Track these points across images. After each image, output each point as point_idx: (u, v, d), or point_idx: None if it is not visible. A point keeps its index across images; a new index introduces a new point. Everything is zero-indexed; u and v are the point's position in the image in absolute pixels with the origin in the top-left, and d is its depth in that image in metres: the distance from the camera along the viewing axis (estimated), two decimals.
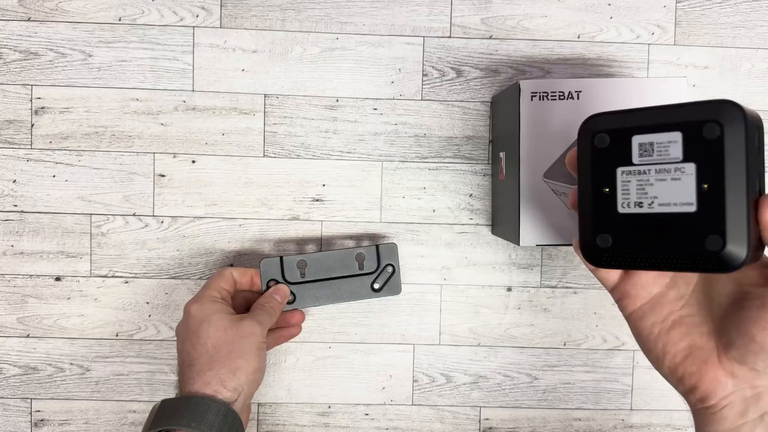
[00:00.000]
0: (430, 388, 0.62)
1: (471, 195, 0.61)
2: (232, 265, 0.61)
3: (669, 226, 0.34)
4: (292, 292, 0.56)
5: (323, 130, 0.61)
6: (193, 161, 0.60)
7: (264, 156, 0.61)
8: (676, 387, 0.38)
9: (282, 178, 0.61)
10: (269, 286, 0.56)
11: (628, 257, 0.36)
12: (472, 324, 0.62)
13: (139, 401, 0.62)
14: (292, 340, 0.61)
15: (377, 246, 0.55)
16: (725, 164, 0.32)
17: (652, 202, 0.35)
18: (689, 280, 0.38)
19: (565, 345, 0.62)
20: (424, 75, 0.61)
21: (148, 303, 0.61)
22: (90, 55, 0.60)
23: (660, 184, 0.34)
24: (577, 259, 0.61)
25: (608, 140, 0.36)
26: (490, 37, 0.61)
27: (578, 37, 0.61)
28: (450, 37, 0.61)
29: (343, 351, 0.62)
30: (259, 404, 0.62)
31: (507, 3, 0.61)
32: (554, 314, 0.62)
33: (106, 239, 0.61)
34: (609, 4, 0.61)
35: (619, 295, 0.39)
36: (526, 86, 0.49)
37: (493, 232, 0.61)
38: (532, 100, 0.49)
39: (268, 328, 0.53)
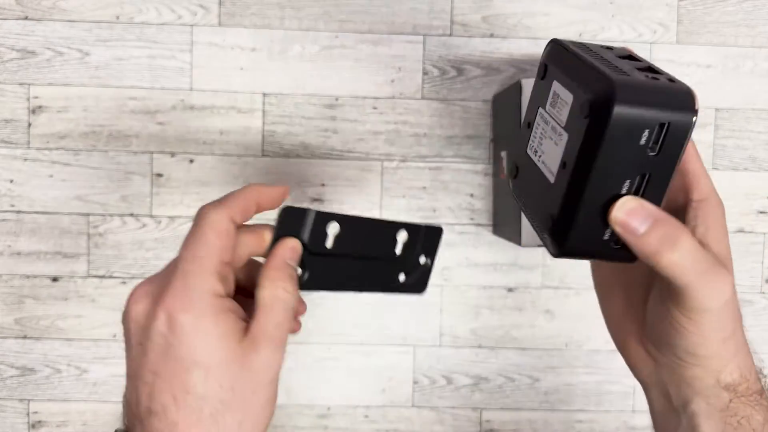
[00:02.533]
0: (430, 389, 0.62)
1: (472, 195, 0.61)
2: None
3: (537, 188, 0.32)
4: (303, 265, 0.35)
5: (322, 129, 0.60)
6: (191, 161, 0.60)
7: (263, 155, 0.60)
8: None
9: (281, 177, 0.60)
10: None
11: (518, 194, 0.35)
12: (473, 325, 0.61)
13: None
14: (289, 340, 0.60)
15: (424, 228, 0.39)
16: (580, 148, 0.28)
17: (540, 156, 0.33)
18: None
19: (566, 346, 0.62)
20: (424, 73, 0.60)
21: None
22: (87, 54, 0.60)
23: (547, 141, 0.32)
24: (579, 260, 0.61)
25: (543, 73, 0.33)
26: (491, 35, 0.60)
27: (580, 36, 0.60)
28: (451, 35, 0.60)
29: (343, 352, 0.61)
30: None
31: (508, 1, 0.60)
32: (556, 315, 0.61)
33: (104, 239, 0.60)
34: (611, 2, 0.60)
35: None
36: (528, 85, 0.49)
37: (494, 233, 0.61)
38: None
39: (288, 332, 0.34)
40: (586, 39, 0.60)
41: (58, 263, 0.60)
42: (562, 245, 0.30)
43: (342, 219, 0.35)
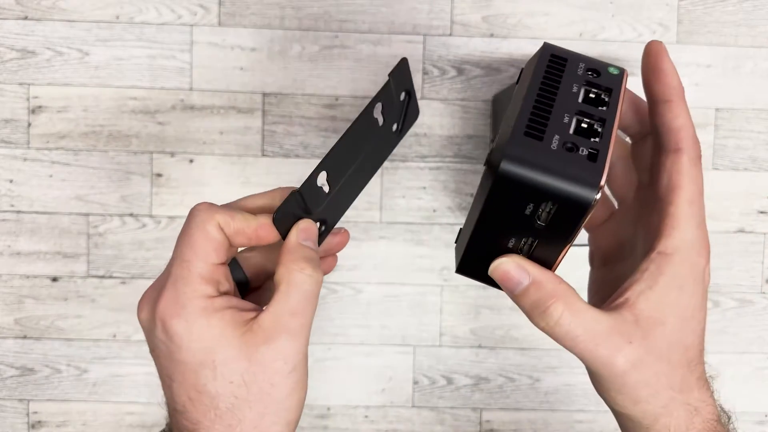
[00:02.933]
0: (430, 390, 0.62)
1: (472, 195, 0.61)
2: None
3: None
4: (321, 221, 0.34)
5: (322, 129, 0.60)
6: (191, 160, 0.60)
7: (263, 155, 0.60)
8: None
9: (281, 177, 0.60)
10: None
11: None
12: (473, 325, 0.61)
13: (137, 403, 0.61)
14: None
15: (389, 79, 0.34)
16: (478, 190, 0.28)
17: None
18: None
19: None
20: (424, 73, 0.60)
21: None
22: (87, 54, 0.59)
23: None
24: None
25: (518, 78, 0.31)
26: (492, 35, 0.60)
27: (580, 36, 0.60)
28: (451, 35, 0.60)
29: (343, 352, 0.61)
30: None
31: (508, 0, 0.60)
32: None
33: (104, 239, 0.60)
34: (611, 2, 0.60)
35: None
36: None
37: None
38: None
39: (312, 316, 0.31)
40: (586, 39, 0.60)
41: (57, 263, 0.60)
42: (457, 264, 0.31)
43: (329, 162, 0.33)
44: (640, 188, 0.32)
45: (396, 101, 0.35)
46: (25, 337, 0.61)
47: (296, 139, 0.60)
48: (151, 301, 0.30)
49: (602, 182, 0.24)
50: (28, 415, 0.61)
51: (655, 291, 0.28)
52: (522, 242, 0.28)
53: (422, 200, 0.61)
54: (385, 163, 0.61)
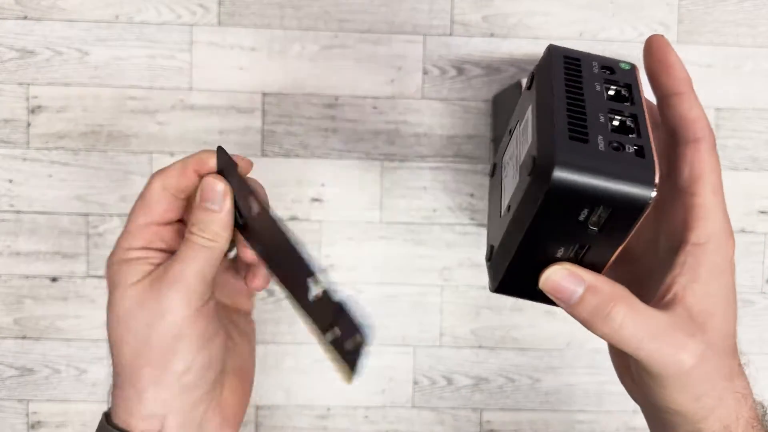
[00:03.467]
0: (430, 390, 0.62)
1: (472, 195, 0.61)
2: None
3: (494, 204, 0.32)
4: (240, 218, 0.32)
5: (322, 129, 0.60)
6: None
7: (262, 155, 0.60)
8: None
9: (280, 177, 0.60)
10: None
11: (490, 193, 0.35)
12: (473, 325, 0.61)
13: None
14: (289, 340, 0.60)
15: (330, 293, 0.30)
16: (519, 204, 0.26)
17: (505, 176, 0.31)
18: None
19: (567, 346, 0.62)
20: (424, 73, 0.60)
21: None
22: (86, 54, 0.59)
23: (512, 165, 0.30)
24: None
25: (530, 83, 0.31)
26: (492, 35, 0.60)
27: (580, 35, 0.60)
28: (451, 34, 0.60)
29: None
30: (257, 406, 0.61)
31: (509, 0, 0.60)
32: (556, 316, 0.61)
33: (103, 239, 0.60)
34: (611, 2, 0.60)
35: None
36: None
37: None
38: None
39: (212, 274, 0.31)
40: (586, 39, 0.60)
41: (57, 263, 0.60)
42: (496, 283, 0.29)
43: (260, 206, 0.30)
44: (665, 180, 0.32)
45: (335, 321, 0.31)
46: (24, 338, 0.61)
47: (296, 138, 0.60)
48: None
49: (656, 179, 0.24)
50: (27, 415, 0.61)
51: (699, 283, 0.28)
52: (570, 249, 0.26)
53: (422, 200, 0.61)
54: (386, 163, 0.61)
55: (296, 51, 0.60)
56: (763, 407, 0.32)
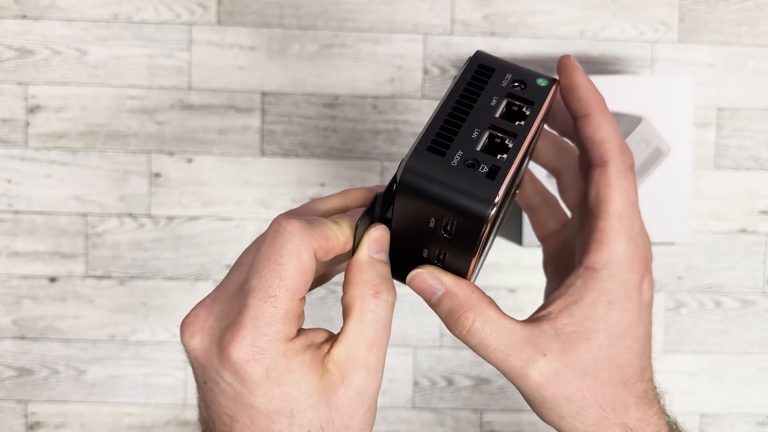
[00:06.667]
0: (431, 391, 0.61)
1: None
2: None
3: None
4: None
5: (322, 129, 0.60)
6: (190, 160, 0.60)
7: (262, 155, 0.60)
8: None
9: (280, 177, 0.60)
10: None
11: None
12: None
13: (135, 404, 0.61)
14: None
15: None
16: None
17: None
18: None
19: None
20: (424, 72, 0.60)
21: (144, 304, 0.60)
22: (85, 53, 0.59)
23: None
24: None
25: None
26: (492, 34, 0.60)
27: (581, 34, 0.60)
28: (451, 34, 0.60)
29: None
30: None
31: None
32: None
33: (102, 239, 0.60)
34: (613, 1, 0.60)
35: None
36: None
37: None
38: None
39: (387, 343, 0.28)
40: (587, 38, 0.60)
41: (55, 263, 0.60)
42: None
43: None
44: (582, 201, 0.31)
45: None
46: (23, 338, 0.60)
47: (295, 138, 0.60)
48: (211, 331, 0.26)
49: (497, 199, 0.24)
50: (26, 416, 0.61)
51: (580, 306, 0.27)
52: (436, 252, 0.28)
53: None
54: (386, 163, 0.60)
55: (296, 50, 0.60)
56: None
